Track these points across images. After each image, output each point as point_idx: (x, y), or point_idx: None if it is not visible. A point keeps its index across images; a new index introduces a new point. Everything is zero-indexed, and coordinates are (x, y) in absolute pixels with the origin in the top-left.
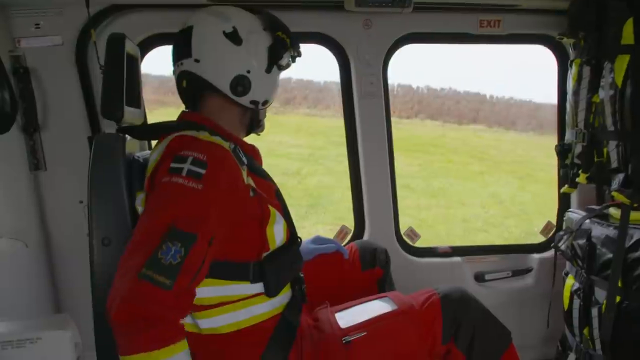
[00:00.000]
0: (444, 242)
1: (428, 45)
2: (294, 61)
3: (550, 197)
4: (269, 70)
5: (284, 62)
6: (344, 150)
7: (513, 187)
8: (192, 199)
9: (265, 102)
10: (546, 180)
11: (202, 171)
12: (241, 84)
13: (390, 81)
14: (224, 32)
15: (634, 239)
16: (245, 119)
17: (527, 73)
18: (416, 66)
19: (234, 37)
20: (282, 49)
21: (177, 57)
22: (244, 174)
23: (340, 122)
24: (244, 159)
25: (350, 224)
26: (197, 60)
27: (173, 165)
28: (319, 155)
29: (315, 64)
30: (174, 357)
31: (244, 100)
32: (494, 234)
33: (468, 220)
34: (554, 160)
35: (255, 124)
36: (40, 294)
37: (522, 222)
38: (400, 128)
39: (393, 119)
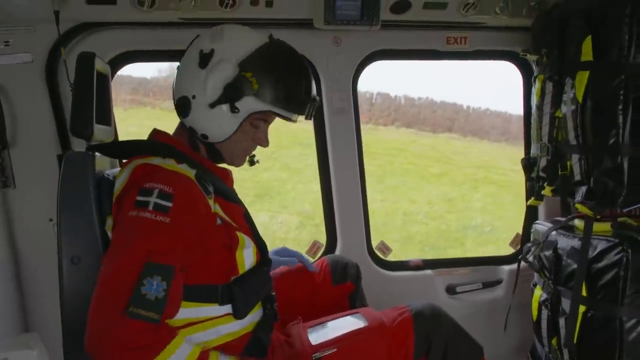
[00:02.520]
0: (378, 231)
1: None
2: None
3: (500, 196)
4: (213, 105)
5: (243, 106)
6: (306, 150)
7: (466, 187)
8: (161, 233)
9: (205, 137)
10: (500, 183)
11: (169, 204)
12: (182, 105)
13: (370, 89)
14: (201, 50)
15: (598, 249)
16: (194, 141)
17: (503, 85)
18: (395, 75)
19: (204, 59)
20: (241, 90)
21: None
22: (211, 202)
23: (310, 125)
24: (209, 187)
25: (293, 212)
26: (177, 68)
27: (139, 198)
28: (280, 154)
29: None
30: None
31: (185, 122)
32: (431, 226)
33: (410, 214)
34: (515, 166)
35: (214, 154)
36: (9, 313)
37: (462, 217)
38: (374, 134)
39: (370, 126)
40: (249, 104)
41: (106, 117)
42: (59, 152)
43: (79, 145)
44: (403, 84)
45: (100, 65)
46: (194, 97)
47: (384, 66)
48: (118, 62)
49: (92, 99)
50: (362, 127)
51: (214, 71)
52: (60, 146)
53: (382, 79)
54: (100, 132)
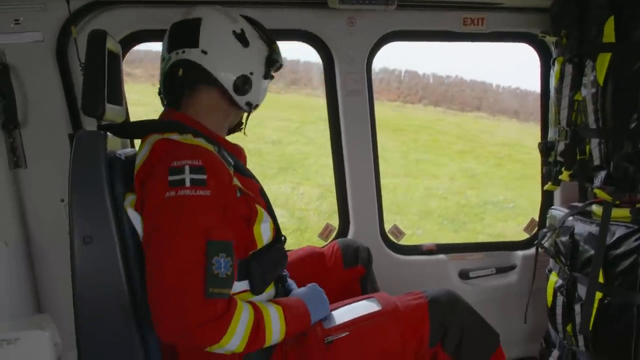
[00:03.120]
0: (398, 205)
1: None
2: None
3: (523, 174)
4: (266, 76)
5: (272, 72)
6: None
7: (490, 164)
8: (208, 207)
9: (256, 106)
10: (524, 161)
11: (204, 176)
12: (244, 84)
13: (398, 67)
14: (233, 31)
15: (616, 235)
16: (230, 119)
17: (533, 64)
18: (424, 53)
19: (242, 38)
20: (276, 60)
21: (177, 45)
22: (231, 174)
23: None
24: (230, 159)
25: (314, 184)
26: (204, 52)
27: (172, 178)
28: (305, 129)
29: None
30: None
31: (241, 100)
32: (452, 201)
33: (431, 189)
34: None
35: (238, 126)
36: (21, 294)
37: (483, 193)
38: (401, 112)
39: (398, 104)
40: (274, 70)
41: (117, 97)
42: (70, 131)
43: (90, 125)
44: (432, 62)
45: (111, 44)
46: (251, 73)
47: (412, 44)
48: (129, 41)
49: (103, 78)
50: (390, 104)
51: (255, 47)
52: (71, 125)
53: (411, 57)
54: (111, 112)
